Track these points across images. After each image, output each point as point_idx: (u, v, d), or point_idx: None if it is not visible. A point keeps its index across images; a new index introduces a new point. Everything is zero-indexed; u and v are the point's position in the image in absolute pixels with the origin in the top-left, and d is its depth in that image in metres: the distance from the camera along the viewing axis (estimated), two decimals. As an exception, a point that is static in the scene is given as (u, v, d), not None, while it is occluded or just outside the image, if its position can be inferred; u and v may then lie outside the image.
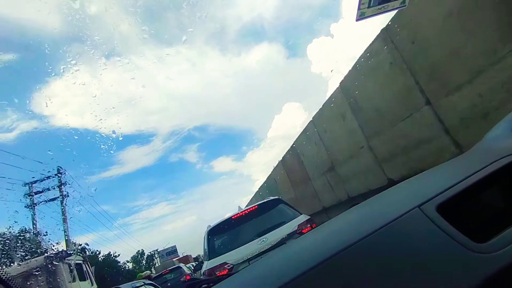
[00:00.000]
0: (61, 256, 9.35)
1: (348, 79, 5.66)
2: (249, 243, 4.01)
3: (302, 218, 4.22)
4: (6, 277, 0.98)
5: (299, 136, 8.60)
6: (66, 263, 9.44)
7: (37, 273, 8.21)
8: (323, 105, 6.77)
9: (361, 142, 5.75)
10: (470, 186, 0.72)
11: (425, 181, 1.04)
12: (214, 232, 4.68)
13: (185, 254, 41.03)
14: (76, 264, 10.24)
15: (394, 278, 0.61)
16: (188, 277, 14.53)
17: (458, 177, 0.76)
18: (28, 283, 7.81)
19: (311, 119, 7.42)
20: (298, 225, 4.03)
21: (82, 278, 10.43)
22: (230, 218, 4.65)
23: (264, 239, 3.98)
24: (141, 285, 7.01)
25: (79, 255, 11.86)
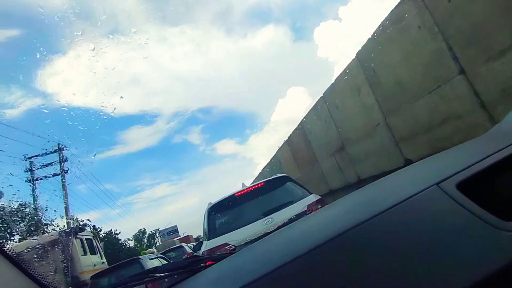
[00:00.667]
0: (74, 231, 10.02)
1: (367, 49, 5.12)
2: (253, 223, 3.69)
3: (312, 198, 3.84)
4: (10, 252, 0.94)
5: (307, 114, 8.10)
6: (78, 238, 10.13)
7: (51, 246, 8.77)
8: (335, 79, 6.25)
9: (377, 119, 5.28)
10: (492, 165, 0.68)
11: (444, 159, 0.98)
12: (216, 210, 4.31)
13: (186, 234, 41.39)
14: (87, 239, 10.88)
15: (412, 256, 0.57)
16: (189, 255, 14.66)
17: (478, 156, 0.72)
18: (43, 256, 8.27)
19: (322, 94, 6.91)
20: (308, 205, 3.65)
21: (93, 252, 11.08)
22: (233, 195, 4.26)
23: (269, 219, 3.64)
24: (156, 257, 7.56)
25: (90, 231, 12.55)
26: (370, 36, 4.93)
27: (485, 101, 3.41)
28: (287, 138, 10.18)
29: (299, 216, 3.47)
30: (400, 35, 4.26)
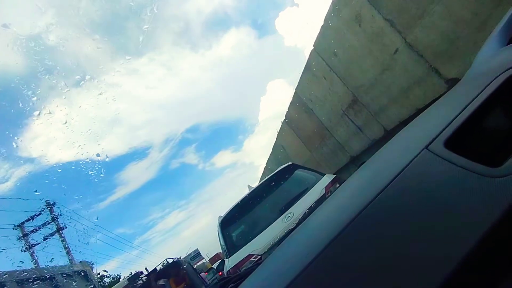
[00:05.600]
0: (138, 275, 11.40)
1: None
2: (273, 224, 3.47)
3: (327, 179, 3.64)
4: None
5: (300, 80, 6.85)
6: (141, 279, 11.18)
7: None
8: (324, 20, 5.04)
9: (393, 45, 4.06)
10: (473, 113, 0.65)
11: (430, 118, 0.90)
12: (228, 222, 4.05)
13: (210, 255, 40.09)
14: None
15: (419, 225, 0.56)
16: (220, 273, 14.62)
17: (459, 108, 0.68)
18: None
19: (312, 47, 5.69)
20: (325, 187, 3.46)
21: None
22: (242, 201, 4.06)
23: (289, 215, 3.42)
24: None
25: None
26: None
27: None
28: (284, 118, 8.96)
29: (319, 202, 3.30)
30: None
